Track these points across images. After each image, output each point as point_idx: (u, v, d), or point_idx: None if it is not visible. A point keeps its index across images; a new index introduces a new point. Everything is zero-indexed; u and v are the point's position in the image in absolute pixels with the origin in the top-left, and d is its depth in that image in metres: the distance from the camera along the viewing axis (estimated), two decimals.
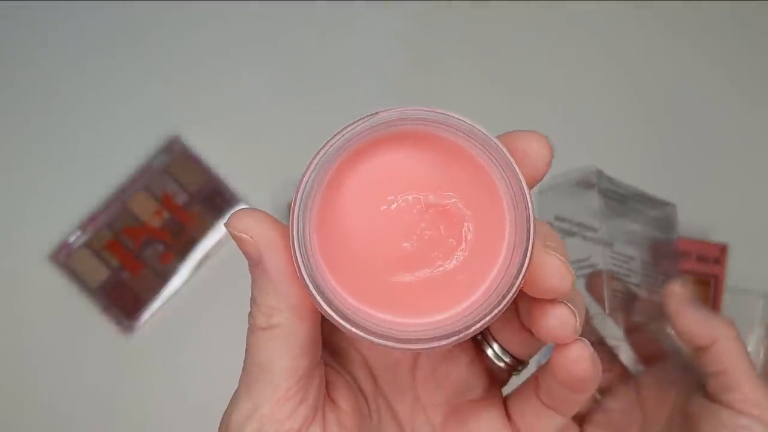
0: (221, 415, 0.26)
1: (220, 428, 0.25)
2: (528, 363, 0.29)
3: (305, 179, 0.22)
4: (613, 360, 0.46)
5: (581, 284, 0.45)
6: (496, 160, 0.23)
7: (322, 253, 0.23)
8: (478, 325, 0.22)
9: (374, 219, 0.23)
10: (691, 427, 0.38)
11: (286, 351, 0.24)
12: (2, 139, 0.66)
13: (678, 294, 0.39)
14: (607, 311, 0.45)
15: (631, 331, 0.45)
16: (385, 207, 0.23)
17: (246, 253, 0.24)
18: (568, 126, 0.66)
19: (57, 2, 0.67)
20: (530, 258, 0.22)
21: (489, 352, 0.28)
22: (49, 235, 0.64)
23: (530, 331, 0.26)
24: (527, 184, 0.22)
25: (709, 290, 0.61)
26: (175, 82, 0.67)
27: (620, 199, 0.46)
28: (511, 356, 0.28)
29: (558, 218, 0.46)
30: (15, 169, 0.66)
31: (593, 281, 0.43)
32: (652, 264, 0.46)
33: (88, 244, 0.64)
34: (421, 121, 0.23)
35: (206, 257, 0.64)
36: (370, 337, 0.22)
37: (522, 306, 0.26)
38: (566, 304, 0.23)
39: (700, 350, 0.38)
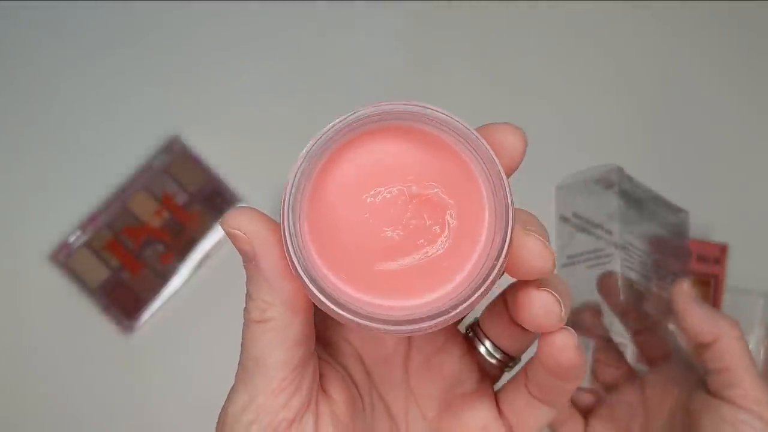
0: None
1: (217, 422, 0.26)
2: (520, 359, 0.30)
3: (294, 176, 0.23)
4: (620, 358, 0.47)
5: (593, 279, 0.45)
6: (475, 150, 0.24)
7: (313, 245, 0.24)
8: (465, 305, 0.23)
9: (361, 211, 0.24)
10: (692, 422, 0.39)
11: (280, 343, 0.25)
12: (2, 139, 0.66)
13: (686, 292, 0.41)
14: (617, 312, 0.45)
15: (639, 332, 0.46)
16: (372, 199, 0.24)
17: (240, 250, 0.25)
18: (567, 126, 0.67)
19: (57, 2, 0.67)
20: (510, 239, 0.23)
21: (481, 349, 0.29)
22: (49, 235, 0.64)
23: (521, 327, 0.26)
24: (505, 173, 0.23)
25: (709, 290, 0.61)
26: (175, 82, 0.67)
27: (637, 201, 0.46)
28: (503, 352, 0.29)
29: (576, 215, 0.47)
30: (15, 169, 0.66)
31: (605, 282, 0.44)
32: (662, 263, 0.47)
33: (88, 244, 0.64)
34: (403, 115, 0.24)
35: (206, 257, 0.64)
36: (363, 321, 0.23)
37: (510, 300, 0.26)
38: (551, 292, 0.24)
39: (703, 347, 0.39)
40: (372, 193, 0.24)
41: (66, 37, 0.67)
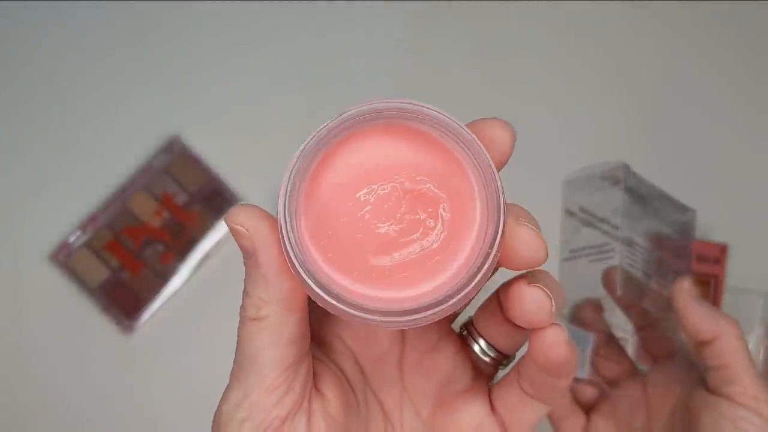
0: None
1: (213, 421, 0.26)
2: (514, 357, 0.30)
3: (289, 174, 0.24)
4: (622, 354, 0.47)
5: (594, 274, 0.45)
6: (466, 145, 0.24)
7: (310, 241, 0.24)
8: (461, 295, 0.23)
9: (356, 207, 0.25)
10: (692, 419, 0.39)
11: (275, 341, 0.25)
12: (2, 139, 0.66)
13: (686, 290, 0.41)
14: (620, 306, 0.45)
15: (642, 329, 0.46)
16: (366, 195, 0.25)
17: (241, 246, 0.25)
18: (567, 126, 0.67)
19: (57, 2, 0.67)
20: (503, 230, 0.23)
21: (475, 347, 0.29)
22: (49, 235, 0.64)
23: (514, 324, 0.27)
24: (495, 166, 0.24)
25: (709, 290, 0.61)
26: (175, 82, 0.67)
27: (643, 198, 0.46)
28: (497, 351, 0.29)
29: (582, 210, 0.47)
30: (15, 169, 0.66)
31: (609, 276, 0.45)
32: (664, 261, 0.47)
33: (88, 244, 0.64)
34: (395, 112, 0.25)
35: (206, 257, 0.64)
36: (359, 314, 0.23)
37: (503, 297, 0.27)
38: (541, 288, 0.24)
39: (703, 344, 0.40)
40: (366, 189, 0.25)
41: (66, 37, 0.67)
